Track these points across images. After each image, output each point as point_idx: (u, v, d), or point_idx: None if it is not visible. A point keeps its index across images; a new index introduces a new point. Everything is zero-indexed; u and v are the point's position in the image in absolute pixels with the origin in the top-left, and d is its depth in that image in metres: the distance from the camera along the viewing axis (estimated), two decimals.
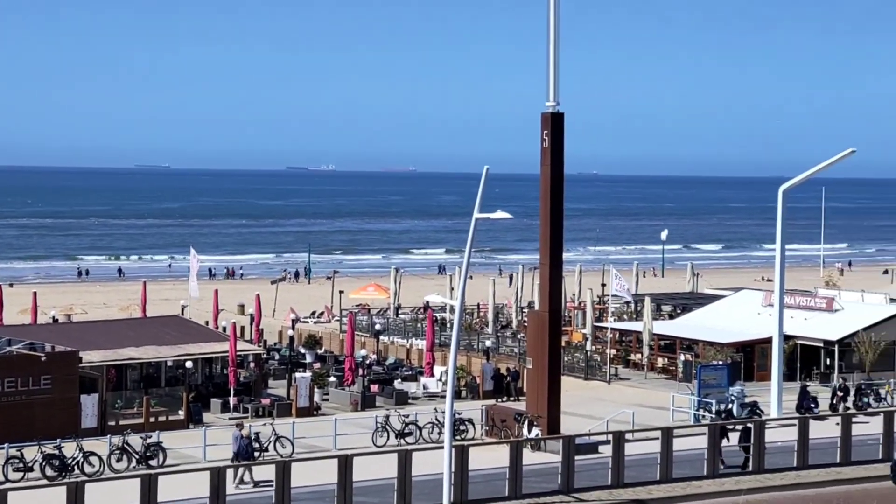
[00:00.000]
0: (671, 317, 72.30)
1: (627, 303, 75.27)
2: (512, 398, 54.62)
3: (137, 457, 39.97)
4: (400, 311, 78.91)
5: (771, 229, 45.94)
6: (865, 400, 50.13)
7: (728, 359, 55.95)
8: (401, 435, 44.11)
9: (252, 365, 56.20)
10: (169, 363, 52.05)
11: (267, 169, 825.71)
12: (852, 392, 50.11)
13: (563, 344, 51.89)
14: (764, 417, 43.40)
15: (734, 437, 39.48)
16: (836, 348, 57.33)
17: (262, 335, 67.73)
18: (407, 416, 45.11)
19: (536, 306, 53.60)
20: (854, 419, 41.78)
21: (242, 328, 66.85)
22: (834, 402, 49.09)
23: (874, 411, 46.40)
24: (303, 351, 65.60)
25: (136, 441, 40.43)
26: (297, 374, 53.18)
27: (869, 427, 42.30)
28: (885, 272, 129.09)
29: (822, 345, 57.97)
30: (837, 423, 40.86)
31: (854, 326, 57.91)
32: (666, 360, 60.57)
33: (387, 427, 44.25)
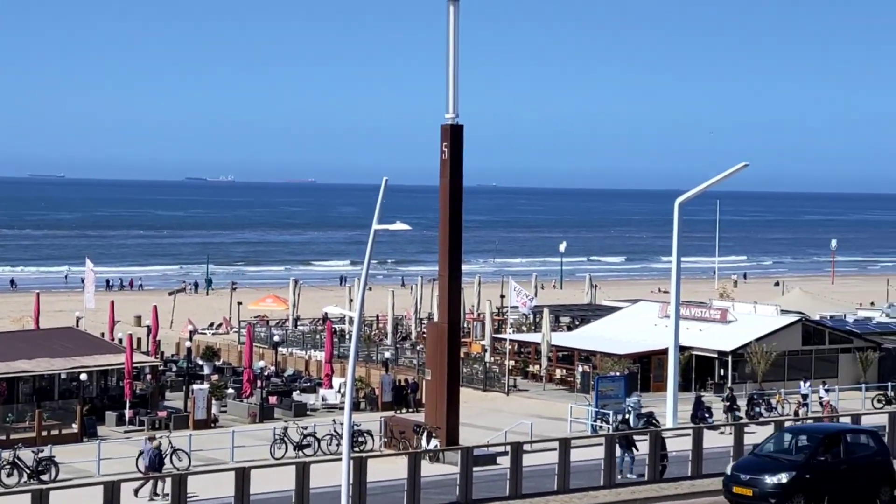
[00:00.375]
0: (570, 328, 72.95)
1: (526, 315, 75.75)
2: (411, 409, 54.64)
3: (29, 471, 39.19)
4: (299, 323, 78.56)
5: (669, 241, 46.48)
6: (757, 409, 51.05)
7: (625, 370, 56.58)
8: (299, 447, 43.87)
9: (149, 377, 55.50)
10: (63, 375, 51.14)
11: (165, 179, 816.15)
12: (744, 402, 51.00)
13: (462, 355, 52.09)
14: (660, 428, 43.88)
15: (643, 447, 39.87)
16: (729, 359, 58.35)
17: (159, 347, 66.92)
18: (305, 428, 44.89)
19: (436, 318, 53.68)
20: (745, 429, 42.42)
21: (139, 340, 65.99)
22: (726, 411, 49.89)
23: (766, 420, 47.23)
24: (200, 363, 64.93)
25: (27, 455, 39.63)
26: (195, 386, 52.61)
27: (758, 437, 43.03)
28: (777, 284, 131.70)
29: (716, 355, 58.95)
30: (722, 433, 41.58)
31: (747, 337, 58.99)
32: (564, 371, 61.05)
33: (285, 439, 43.98)
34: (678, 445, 40.75)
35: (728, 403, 49.61)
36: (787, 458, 34.44)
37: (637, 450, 39.44)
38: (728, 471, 35.20)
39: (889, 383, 56.91)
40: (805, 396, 52.70)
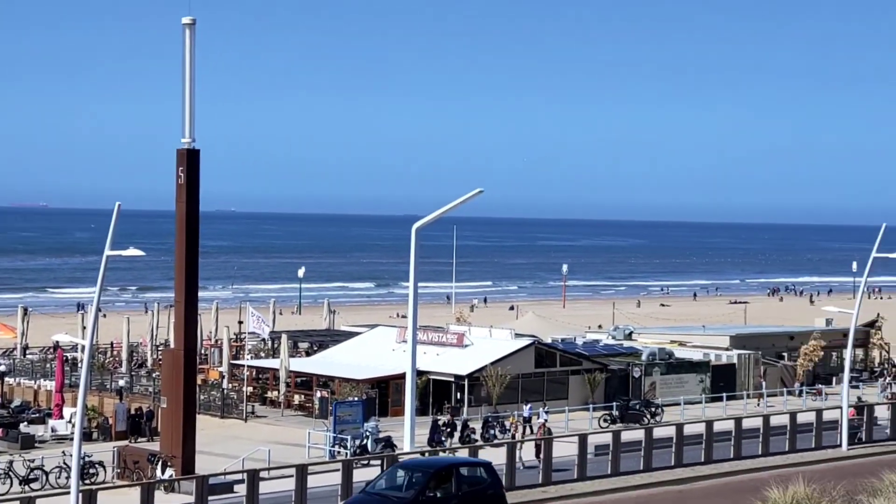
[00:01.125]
0: (308, 354, 72.86)
1: (264, 340, 75.30)
2: (146, 438, 53.42)
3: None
4: (28, 352, 75.70)
5: (408, 266, 47.06)
6: (492, 432, 52.19)
7: (363, 395, 56.92)
8: (25, 481, 42.21)
9: None
10: None
11: None
12: (472, 425, 52.06)
13: (199, 382, 51.28)
14: (396, 452, 44.34)
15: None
16: (465, 382, 59.51)
17: None
18: (32, 461, 43.24)
19: (172, 344, 52.72)
20: (481, 449, 43.33)
21: None
22: (463, 434, 50.83)
23: (500, 442, 48.33)
24: None
25: None
26: None
27: (495, 457, 44.08)
28: (511, 308, 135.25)
29: (453, 379, 60.00)
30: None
31: (482, 361, 60.31)
32: (302, 396, 60.94)
33: (10, 473, 42.25)
34: None
35: (449, 430, 50.53)
36: (395, 496, 33.18)
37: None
38: None
39: (614, 403, 59.24)
40: (528, 419, 54.18)
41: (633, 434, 46.40)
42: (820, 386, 68.48)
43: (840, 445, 49.28)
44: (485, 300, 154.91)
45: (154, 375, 65.59)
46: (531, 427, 53.23)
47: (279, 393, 60.87)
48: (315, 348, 73.38)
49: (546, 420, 51.80)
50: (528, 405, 55.84)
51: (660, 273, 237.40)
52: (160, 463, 41.79)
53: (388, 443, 47.43)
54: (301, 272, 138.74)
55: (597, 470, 43.18)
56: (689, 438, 46.09)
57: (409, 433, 46.95)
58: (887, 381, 70.43)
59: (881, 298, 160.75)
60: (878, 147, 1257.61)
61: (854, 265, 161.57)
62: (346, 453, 46.71)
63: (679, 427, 46.47)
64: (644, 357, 65.99)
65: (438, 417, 53.42)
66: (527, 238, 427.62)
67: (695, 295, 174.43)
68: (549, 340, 69.76)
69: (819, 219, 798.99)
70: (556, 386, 62.30)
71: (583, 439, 43.37)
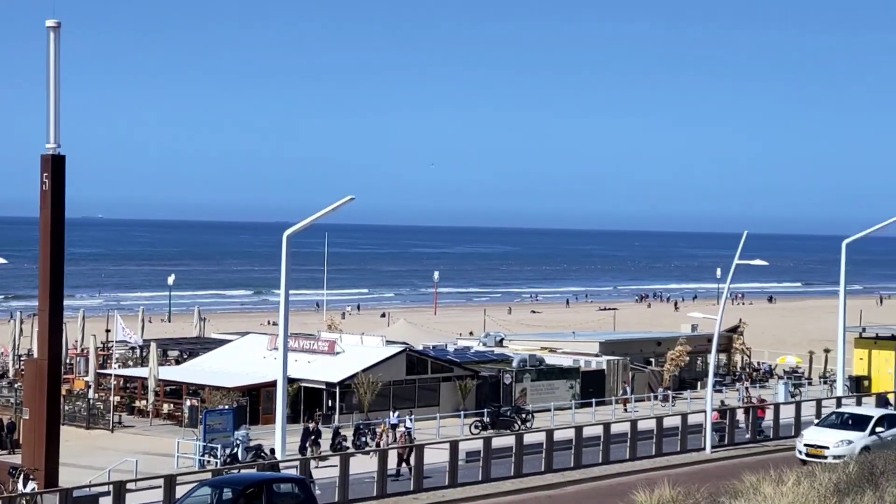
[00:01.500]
0: (178, 362, 71.95)
1: (133, 348, 74.14)
2: (7, 451, 52.13)
3: None
4: None
5: (277, 273, 46.76)
6: (363, 439, 52.13)
7: (234, 403, 56.41)
8: None
9: None
10: None
11: None
12: (343, 433, 51.95)
13: (63, 392, 50.26)
14: (267, 460, 44.01)
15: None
16: (337, 390, 59.38)
17: None
18: None
19: (35, 354, 51.55)
20: (352, 457, 43.24)
21: None
22: (334, 442, 50.66)
23: (371, 450, 48.29)
24: None
25: None
26: None
27: (367, 465, 44.06)
28: (383, 315, 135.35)
29: (324, 387, 59.84)
30: (317, 466, 42.40)
31: (354, 368, 60.30)
32: (172, 405, 60.14)
33: None
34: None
35: (314, 437, 50.29)
36: None
37: None
38: None
39: (485, 409, 59.65)
40: (394, 426, 54.26)
41: (504, 440, 46.75)
42: (668, 392, 69.70)
43: (704, 448, 50.35)
44: (358, 307, 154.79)
45: (16, 386, 64.10)
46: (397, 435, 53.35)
47: (148, 402, 59.98)
48: (185, 356, 72.49)
49: (411, 428, 52.01)
50: (396, 413, 55.94)
51: (532, 280, 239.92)
52: (22, 476, 40.74)
53: (259, 451, 47.07)
54: (171, 279, 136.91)
55: (468, 476, 43.42)
56: (558, 444, 46.61)
57: (280, 441, 46.65)
58: (745, 384, 72.26)
59: (744, 304, 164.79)
60: (749, 158, 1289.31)
61: (718, 272, 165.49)
62: (217, 462, 46.21)
63: (549, 433, 46.98)
64: (515, 364, 66.58)
65: (309, 425, 53.18)
66: (400, 245, 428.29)
67: (568, 302, 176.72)
68: (420, 347, 69.99)
69: (688, 226, 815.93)
70: (428, 393, 62.53)
71: (454, 446, 43.56)
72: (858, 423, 46.72)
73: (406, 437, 49.09)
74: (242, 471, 39.91)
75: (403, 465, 44.82)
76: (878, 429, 46.10)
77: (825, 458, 43.59)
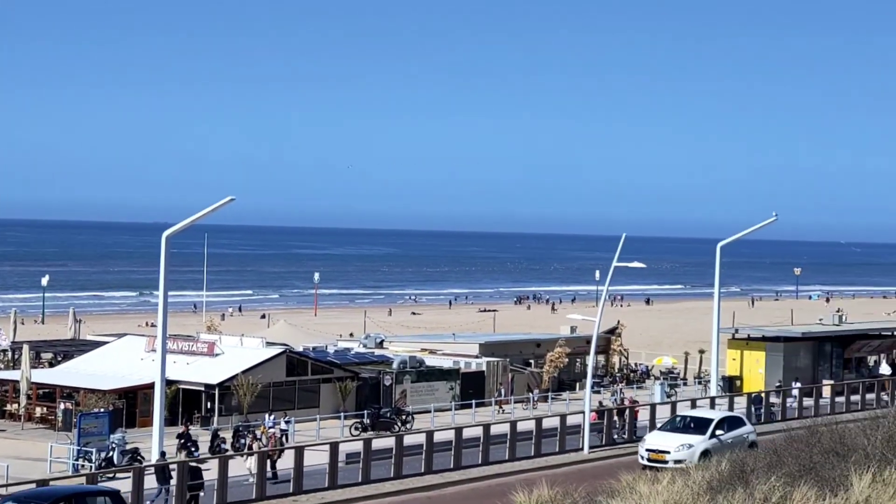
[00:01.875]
0: (52, 364, 70.53)
1: (3, 350, 72.51)
2: None
3: None
4: None
5: (158, 274, 45.99)
6: (243, 441, 51.63)
7: (110, 406, 55.51)
8: None
9: None
10: None
11: None
12: (223, 434, 51.46)
13: None
14: (144, 464, 43.42)
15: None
16: (216, 391, 58.79)
17: None
18: None
19: None
20: (231, 460, 42.89)
21: None
22: (213, 444, 50.10)
23: (252, 452, 47.86)
24: None
25: None
26: None
27: (245, 468, 43.71)
28: (263, 316, 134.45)
29: (203, 388, 59.19)
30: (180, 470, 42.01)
31: (234, 370, 59.77)
32: (45, 409, 58.96)
33: None
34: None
35: (183, 441, 49.58)
36: None
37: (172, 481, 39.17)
38: None
39: (365, 411, 59.61)
40: (270, 429, 53.80)
41: (384, 442, 46.80)
42: (529, 395, 70.17)
43: (582, 449, 50.94)
44: (240, 308, 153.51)
45: None
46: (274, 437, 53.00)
47: (20, 406, 58.68)
48: (59, 359, 71.07)
49: (286, 430, 51.74)
50: (273, 415, 55.58)
51: (414, 282, 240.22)
52: None
53: (136, 455, 46.40)
54: (45, 280, 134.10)
55: (348, 478, 43.36)
56: (438, 445, 46.80)
57: (156, 444, 46.05)
58: (620, 386, 73.37)
59: (622, 306, 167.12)
60: (635, 162, 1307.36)
61: (597, 274, 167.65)
62: (91, 466, 45.42)
63: (429, 434, 47.13)
64: (395, 365, 66.64)
65: (189, 427, 52.53)
66: (282, 246, 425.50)
67: (450, 303, 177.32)
68: (300, 349, 69.64)
69: (568, 229, 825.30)
70: (308, 394, 62.27)
71: (334, 447, 43.46)
72: (699, 426, 46.57)
73: (276, 439, 48.75)
74: (52, 483, 37.03)
75: (271, 468, 44.33)
76: (718, 432, 46.12)
77: (666, 462, 43.41)
